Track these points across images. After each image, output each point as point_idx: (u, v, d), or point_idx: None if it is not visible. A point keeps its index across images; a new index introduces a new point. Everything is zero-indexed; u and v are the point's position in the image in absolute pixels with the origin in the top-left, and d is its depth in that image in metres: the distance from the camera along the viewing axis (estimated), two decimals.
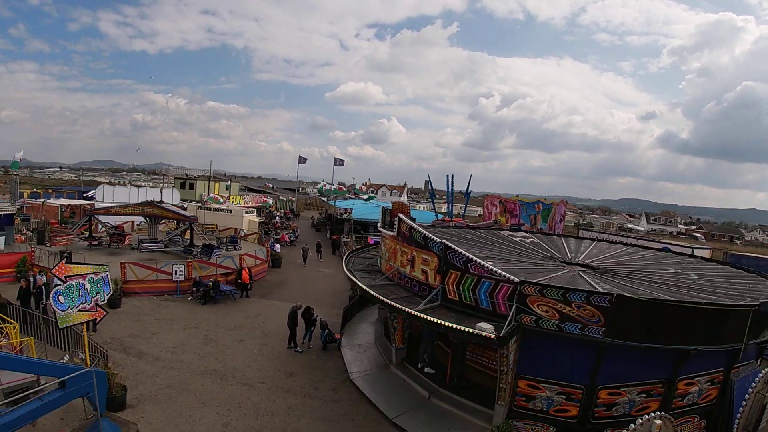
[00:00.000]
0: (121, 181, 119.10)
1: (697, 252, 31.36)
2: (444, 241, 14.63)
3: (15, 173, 48.72)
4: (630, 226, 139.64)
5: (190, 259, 27.84)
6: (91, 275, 13.45)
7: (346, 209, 48.70)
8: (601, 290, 13.31)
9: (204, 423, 14.09)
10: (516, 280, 12.74)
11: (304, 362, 19.06)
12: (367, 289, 15.92)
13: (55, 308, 12.70)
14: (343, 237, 46.14)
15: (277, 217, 59.00)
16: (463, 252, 14.08)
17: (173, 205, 36.88)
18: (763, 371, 12.85)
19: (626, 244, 30.63)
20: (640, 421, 10.19)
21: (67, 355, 15.71)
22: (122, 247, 33.59)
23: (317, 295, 28.40)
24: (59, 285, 12.76)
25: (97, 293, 13.63)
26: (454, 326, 12.37)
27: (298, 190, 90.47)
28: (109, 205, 38.03)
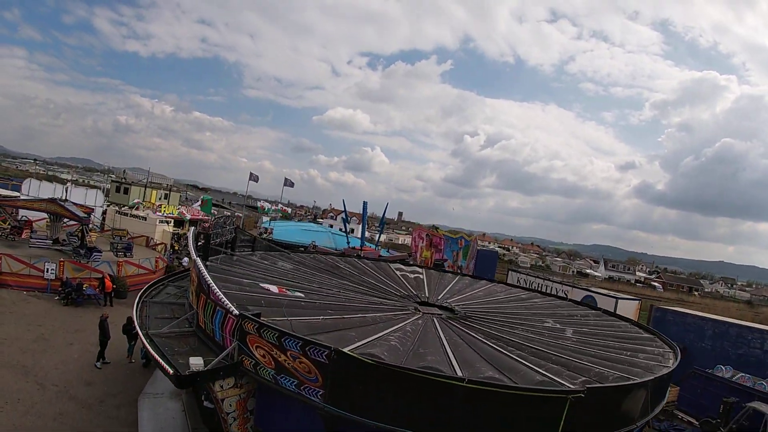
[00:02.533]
0: (87, 181, 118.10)
1: (620, 303, 30.68)
2: (197, 260, 14.37)
3: None
4: (588, 271, 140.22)
5: (62, 259, 27.62)
6: None
7: (266, 228, 48.48)
8: (320, 341, 10.63)
9: None
10: (236, 312, 11.51)
11: (111, 375, 18.97)
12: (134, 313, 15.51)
13: None
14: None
15: (208, 224, 58.56)
16: (207, 276, 13.43)
17: (79, 206, 36.45)
18: None
19: (528, 289, 30.28)
20: None
21: None
22: (18, 240, 33.87)
23: None
24: None
25: None
26: (156, 357, 11.88)
27: (256, 207, 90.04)
28: (14, 197, 37.91)
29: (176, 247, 44.51)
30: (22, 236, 34.17)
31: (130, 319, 20.57)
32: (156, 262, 33.49)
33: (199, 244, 18.46)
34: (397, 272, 26.48)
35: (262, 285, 16.47)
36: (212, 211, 65.20)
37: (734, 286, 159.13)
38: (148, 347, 12.67)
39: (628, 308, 31.64)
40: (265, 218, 54.54)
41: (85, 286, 26.25)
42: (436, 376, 9.91)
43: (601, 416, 10.96)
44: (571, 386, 11.02)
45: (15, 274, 26.05)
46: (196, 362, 11.41)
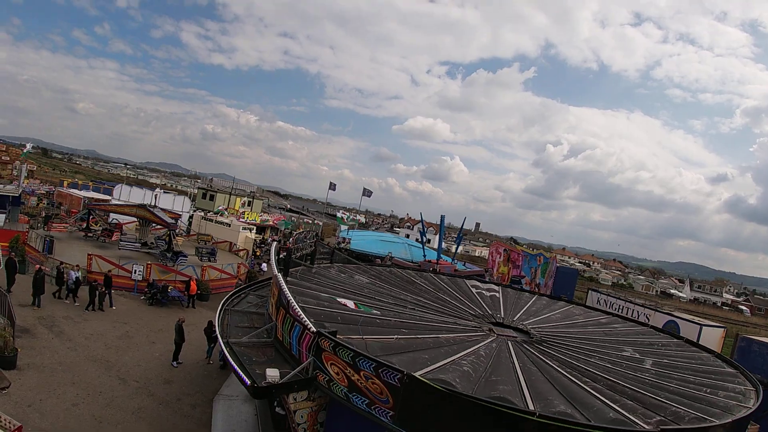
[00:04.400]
0: (175, 185, 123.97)
1: (705, 331, 29.17)
2: (279, 275, 14.63)
3: (23, 161, 52.62)
4: (672, 291, 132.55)
5: (149, 262, 29.10)
6: None
7: (344, 238, 48.93)
8: (393, 364, 10.70)
9: (59, 399, 15.59)
10: (314, 329, 11.85)
11: (190, 375, 19.69)
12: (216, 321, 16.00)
13: None
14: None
15: (291, 239, 59.74)
16: (287, 292, 13.67)
17: (167, 212, 38.34)
18: None
19: (608, 313, 29.10)
20: None
21: None
22: (109, 241, 35.90)
23: None
24: None
25: None
26: (234, 366, 12.25)
27: (327, 212, 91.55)
28: (106, 201, 40.50)
29: (258, 253, 46.05)
30: (113, 238, 36.14)
31: (211, 323, 21.50)
32: (238, 267, 34.64)
33: (280, 257, 18.78)
34: (473, 289, 26.01)
35: (339, 300, 16.68)
36: (292, 218, 66.91)
37: None
38: (228, 356, 12.97)
39: (713, 336, 29.73)
40: (343, 227, 55.32)
41: (170, 288, 27.42)
42: (507, 408, 9.78)
43: None
44: (645, 426, 10.70)
45: (104, 274, 27.16)
46: (273, 374, 11.64)
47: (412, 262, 44.75)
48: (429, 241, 60.39)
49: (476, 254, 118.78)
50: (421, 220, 54.56)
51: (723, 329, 32.01)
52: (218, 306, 16.80)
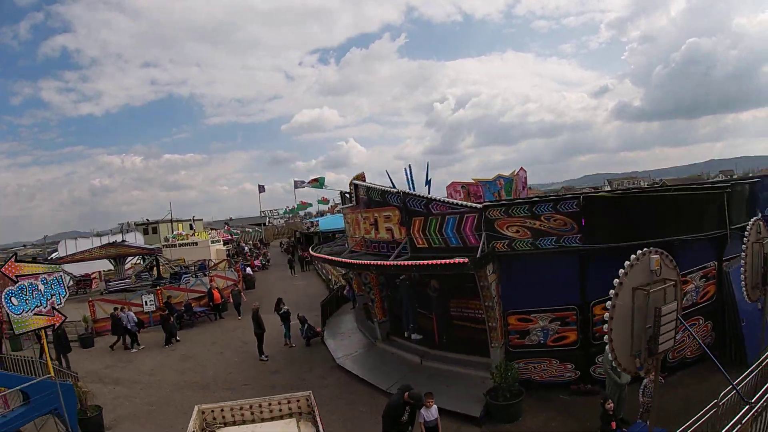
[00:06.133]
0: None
1: None
2: (401, 190, 13.97)
3: None
4: None
5: (159, 287, 26.70)
6: (43, 275, 12.33)
7: (312, 223, 48.08)
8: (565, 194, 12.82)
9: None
10: (478, 206, 12.12)
11: (289, 359, 18.29)
12: (337, 259, 15.29)
13: (8, 311, 11.57)
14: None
15: (246, 248, 58.84)
16: (422, 195, 13.45)
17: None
18: (752, 219, 11.41)
19: None
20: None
21: None
22: (90, 291, 32.53)
23: (295, 302, 27.39)
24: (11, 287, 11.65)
25: (52, 295, 12.52)
26: (425, 263, 11.80)
27: (265, 223, 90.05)
28: (72, 252, 36.57)
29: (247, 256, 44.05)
30: (93, 287, 33.05)
31: (280, 300, 20.12)
32: (238, 271, 33.14)
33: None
34: None
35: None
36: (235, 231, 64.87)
37: (734, 176, 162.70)
38: None
39: None
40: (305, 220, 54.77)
41: (193, 305, 25.29)
42: (663, 191, 13.33)
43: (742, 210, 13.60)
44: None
45: (166, 303, 24.54)
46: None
47: None
48: None
49: None
50: (409, 172, 54.22)
51: None
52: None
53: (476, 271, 11.54)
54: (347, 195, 17.37)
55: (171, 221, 59.24)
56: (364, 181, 16.19)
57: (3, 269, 11.55)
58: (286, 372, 16.85)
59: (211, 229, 65.37)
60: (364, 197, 16.01)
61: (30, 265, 12.53)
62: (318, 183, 36.25)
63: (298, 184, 62.45)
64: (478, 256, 11.25)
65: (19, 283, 11.54)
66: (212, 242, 44.81)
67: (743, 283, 10.71)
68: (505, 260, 12.18)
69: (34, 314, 11.79)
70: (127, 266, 34.91)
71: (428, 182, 45.30)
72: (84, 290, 32.36)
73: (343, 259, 14.80)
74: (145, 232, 58.77)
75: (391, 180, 50.66)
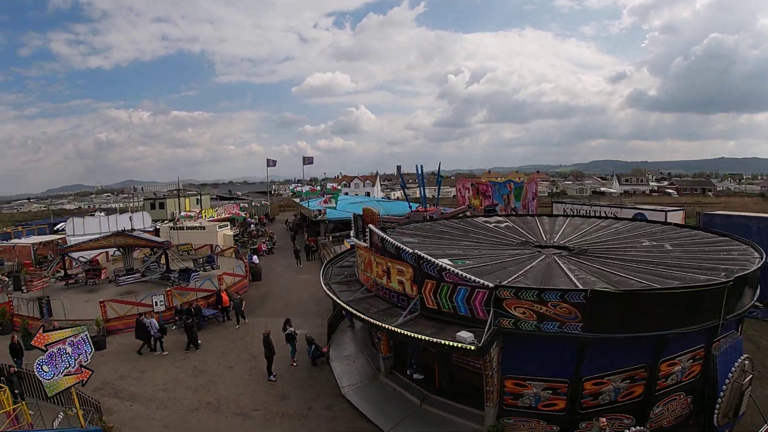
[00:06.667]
0: (90, 205, 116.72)
1: (670, 216, 32.21)
2: (416, 251, 14.61)
3: None
4: (603, 189, 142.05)
5: (168, 287, 27.44)
6: (70, 338, 13.31)
7: (320, 211, 48.30)
8: (576, 286, 13.65)
9: None
10: (490, 285, 12.76)
11: (295, 381, 19.06)
12: (347, 307, 16.03)
13: (41, 378, 12.55)
14: (320, 239, 45.99)
15: (252, 225, 59.48)
16: (437, 262, 14.09)
17: (145, 231, 36.09)
18: (740, 359, 13.07)
19: (600, 217, 31.11)
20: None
21: (61, 413, 15.47)
22: (99, 282, 32.78)
23: (300, 306, 28.41)
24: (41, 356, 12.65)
25: (79, 355, 13.50)
26: (434, 340, 12.52)
27: (271, 192, 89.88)
28: (80, 240, 37.09)
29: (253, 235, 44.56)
30: (101, 277, 33.11)
31: (288, 321, 20.95)
32: (245, 266, 33.59)
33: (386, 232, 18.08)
34: (490, 224, 26.75)
35: (438, 262, 16.75)
36: (235, 208, 65.26)
37: (742, 181, 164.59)
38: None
39: (676, 218, 33.44)
40: (303, 201, 54.75)
41: (202, 307, 25.91)
42: (668, 289, 12.97)
43: (739, 298, 14.25)
44: (722, 278, 13.63)
45: (123, 317, 25.17)
46: (465, 336, 12.27)
47: (396, 215, 45.13)
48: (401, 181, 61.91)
49: (429, 196, 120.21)
50: (400, 171, 54.71)
51: (682, 210, 36.38)
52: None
53: (480, 356, 12.35)
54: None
55: (179, 195, 59.55)
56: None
57: (33, 342, 12.49)
58: (294, 397, 17.69)
59: (219, 199, 65.69)
60: (378, 243, 16.65)
61: (57, 332, 13.44)
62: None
63: (306, 161, 62.54)
64: (482, 342, 11.96)
65: (49, 351, 12.47)
66: (220, 227, 45.49)
67: (717, 410, 12.81)
68: (509, 335, 12.96)
69: (64, 375, 12.75)
70: (135, 253, 35.44)
71: (439, 182, 46.10)
72: (93, 281, 32.54)
73: (355, 312, 15.51)
74: (152, 207, 59.39)
75: (402, 180, 51.10)
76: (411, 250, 14.85)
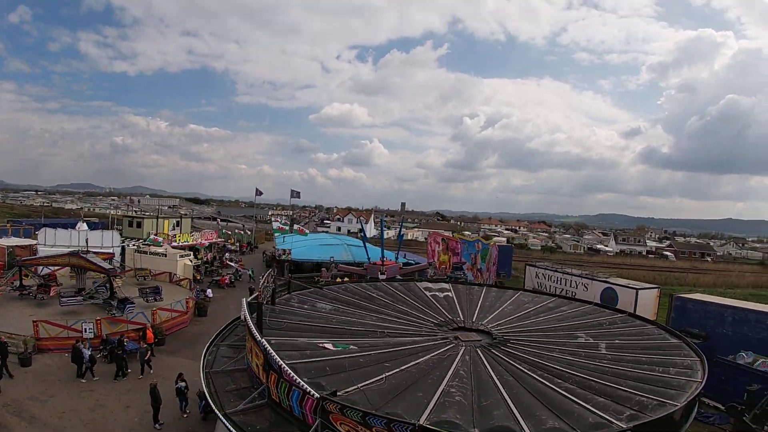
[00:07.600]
0: (92, 208, 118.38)
1: (642, 294, 32.06)
2: (263, 341, 14.93)
3: None
4: (599, 247, 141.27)
5: (98, 318, 28.09)
6: None
7: (284, 250, 48.48)
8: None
9: None
10: (317, 395, 12.50)
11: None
12: (202, 378, 16.41)
13: None
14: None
15: (227, 254, 59.93)
16: (277, 358, 14.13)
17: (105, 251, 36.74)
18: None
19: (553, 295, 31.12)
20: None
21: None
22: (48, 298, 33.49)
23: None
24: None
25: None
26: None
27: (264, 218, 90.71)
28: (38, 255, 38.25)
29: (198, 277, 45.31)
30: (51, 294, 33.69)
31: (180, 375, 21.49)
32: (187, 303, 33.69)
33: (253, 316, 18.42)
34: (428, 293, 27.24)
35: (319, 345, 17.15)
36: (223, 230, 65.98)
37: (745, 245, 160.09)
38: None
39: (649, 297, 32.76)
40: (278, 236, 55.21)
41: (126, 340, 26.29)
42: None
43: None
44: (622, 425, 12.55)
45: (54, 338, 26.19)
46: None
47: (355, 264, 45.50)
48: (359, 231, 61.29)
49: (409, 237, 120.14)
50: (402, 212, 55.50)
51: (657, 289, 35.22)
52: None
53: None
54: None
55: (158, 217, 60.46)
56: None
57: None
58: None
59: (212, 218, 65.69)
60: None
61: None
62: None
63: (294, 194, 63.62)
64: None
65: None
66: (181, 256, 46.12)
67: None
68: None
69: None
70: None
71: (401, 238, 46.50)
72: (42, 296, 33.34)
73: (204, 389, 16.30)
74: (129, 225, 60.61)
75: (402, 219, 50.95)
76: (259, 338, 15.15)
